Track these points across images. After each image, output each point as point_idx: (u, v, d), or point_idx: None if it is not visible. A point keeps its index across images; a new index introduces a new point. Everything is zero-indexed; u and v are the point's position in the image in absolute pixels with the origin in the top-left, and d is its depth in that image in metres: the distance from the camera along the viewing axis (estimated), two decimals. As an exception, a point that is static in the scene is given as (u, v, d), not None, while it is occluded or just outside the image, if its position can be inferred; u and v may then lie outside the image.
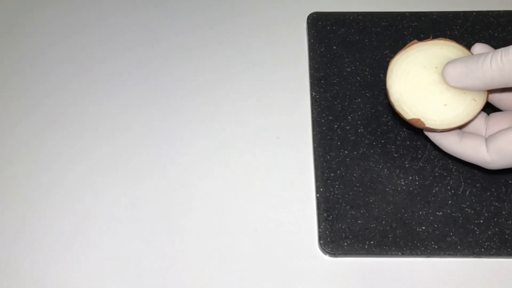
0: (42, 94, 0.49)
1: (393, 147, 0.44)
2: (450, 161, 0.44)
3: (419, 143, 0.44)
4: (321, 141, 0.45)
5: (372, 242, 0.41)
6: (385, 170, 0.43)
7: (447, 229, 0.41)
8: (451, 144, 0.38)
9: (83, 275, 0.41)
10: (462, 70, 0.35)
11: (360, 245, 0.41)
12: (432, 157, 0.44)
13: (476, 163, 0.38)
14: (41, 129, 0.47)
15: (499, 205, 0.42)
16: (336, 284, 0.40)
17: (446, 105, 0.36)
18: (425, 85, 0.37)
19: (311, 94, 0.47)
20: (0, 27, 0.53)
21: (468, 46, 0.46)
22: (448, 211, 0.42)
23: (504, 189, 0.42)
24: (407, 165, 0.44)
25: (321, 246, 0.41)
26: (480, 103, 0.37)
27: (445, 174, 0.43)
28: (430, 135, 0.39)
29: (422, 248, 0.40)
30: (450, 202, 0.42)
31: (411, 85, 0.37)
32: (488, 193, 0.42)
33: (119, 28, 0.52)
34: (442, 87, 0.37)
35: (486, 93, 0.37)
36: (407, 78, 0.37)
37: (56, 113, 0.48)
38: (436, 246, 0.40)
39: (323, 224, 0.41)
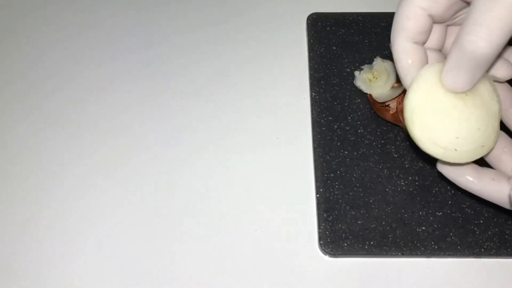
0: (42, 95, 0.49)
1: (393, 147, 0.44)
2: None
3: (418, 143, 0.44)
4: (321, 142, 0.45)
5: (372, 243, 0.41)
6: (385, 170, 0.43)
7: (447, 229, 0.41)
8: (467, 183, 0.34)
9: (83, 275, 0.41)
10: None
11: (360, 246, 0.41)
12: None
13: (499, 204, 0.33)
14: (41, 129, 0.47)
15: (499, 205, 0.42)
16: (336, 284, 0.40)
17: (458, 138, 0.32)
18: (447, 106, 0.32)
19: (311, 95, 0.47)
20: (1, 27, 0.53)
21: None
22: (448, 211, 0.42)
23: (503, 189, 0.42)
24: (407, 165, 0.44)
25: (321, 247, 0.41)
26: (486, 150, 0.33)
27: (445, 174, 0.43)
28: (444, 169, 0.34)
29: (422, 248, 0.40)
30: (450, 202, 0.42)
31: (431, 101, 0.32)
32: (488, 193, 0.42)
33: (118, 29, 0.52)
34: (461, 117, 0.32)
35: (494, 144, 0.33)
36: (429, 93, 0.32)
37: (55, 113, 0.48)
38: (436, 246, 0.40)
39: (323, 224, 0.41)
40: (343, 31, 0.50)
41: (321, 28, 0.51)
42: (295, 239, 0.42)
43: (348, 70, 0.48)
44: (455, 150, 0.32)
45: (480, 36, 0.28)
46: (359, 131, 0.45)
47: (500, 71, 0.33)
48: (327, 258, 0.41)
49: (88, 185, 0.44)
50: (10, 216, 0.43)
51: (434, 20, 0.33)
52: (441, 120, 0.32)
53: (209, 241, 0.42)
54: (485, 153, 0.33)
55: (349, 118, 0.46)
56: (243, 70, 0.50)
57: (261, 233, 0.42)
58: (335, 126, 0.46)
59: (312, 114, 0.46)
